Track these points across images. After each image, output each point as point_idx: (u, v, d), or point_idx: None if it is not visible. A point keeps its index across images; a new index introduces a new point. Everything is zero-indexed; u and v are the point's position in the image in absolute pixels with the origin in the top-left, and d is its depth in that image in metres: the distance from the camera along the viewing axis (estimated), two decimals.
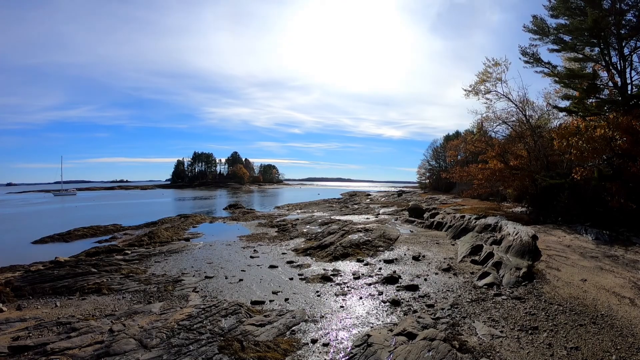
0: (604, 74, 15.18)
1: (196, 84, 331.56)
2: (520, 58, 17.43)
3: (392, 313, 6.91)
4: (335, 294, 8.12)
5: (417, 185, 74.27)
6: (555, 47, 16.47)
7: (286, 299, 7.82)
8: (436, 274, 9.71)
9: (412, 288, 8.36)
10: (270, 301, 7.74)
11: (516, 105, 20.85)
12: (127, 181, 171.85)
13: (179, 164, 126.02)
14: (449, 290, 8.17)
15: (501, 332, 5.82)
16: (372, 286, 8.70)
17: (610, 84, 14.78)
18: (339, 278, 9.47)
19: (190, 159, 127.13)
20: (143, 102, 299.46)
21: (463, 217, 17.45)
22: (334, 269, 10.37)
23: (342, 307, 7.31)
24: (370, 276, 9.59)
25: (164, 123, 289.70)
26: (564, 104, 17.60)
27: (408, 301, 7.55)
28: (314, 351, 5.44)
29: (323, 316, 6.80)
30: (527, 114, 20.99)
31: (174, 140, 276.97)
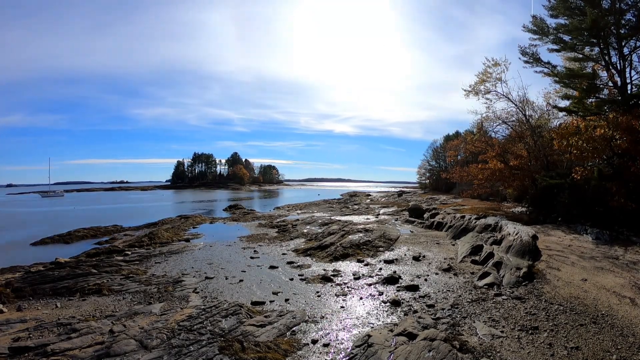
0: (603, 74, 15.19)
1: (99, 87, 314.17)
2: (520, 58, 17.46)
3: (392, 313, 6.91)
4: (336, 295, 8.12)
5: (417, 185, 74.29)
6: (555, 47, 16.47)
7: (286, 300, 7.82)
8: (436, 274, 9.71)
9: (413, 288, 8.36)
10: (271, 302, 7.74)
11: (516, 105, 20.89)
12: (127, 182, 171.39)
13: (179, 164, 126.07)
14: (449, 291, 8.17)
15: (502, 332, 5.81)
16: (372, 286, 8.70)
17: (610, 83, 14.79)
18: (339, 278, 9.47)
19: (190, 160, 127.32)
20: (65, 108, 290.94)
21: (463, 217, 17.45)
22: (334, 270, 10.37)
23: (342, 307, 7.31)
24: (370, 276, 9.59)
25: (105, 126, 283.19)
26: (564, 103, 17.62)
27: (408, 301, 7.55)
28: (314, 352, 5.44)
29: (323, 316, 6.80)
30: (527, 113, 21.03)
31: (135, 143, 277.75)
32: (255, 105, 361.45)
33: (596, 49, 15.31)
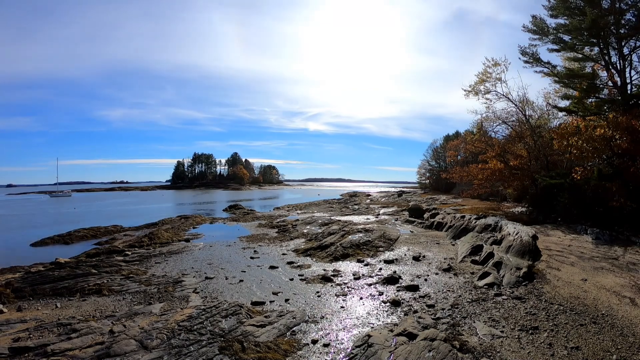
0: (603, 74, 15.22)
1: (53, 91, 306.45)
2: (519, 58, 17.49)
3: (392, 313, 6.91)
4: (336, 295, 8.12)
5: (417, 185, 74.31)
6: (555, 47, 16.51)
7: (286, 300, 7.82)
8: (436, 274, 9.71)
9: (413, 288, 8.36)
10: (271, 302, 7.74)
11: (516, 105, 20.90)
12: (127, 182, 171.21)
13: (179, 165, 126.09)
14: (449, 291, 8.17)
15: (502, 332, 5.81)
16: (372, 286, 8.70)
17: (610, 83, 14.81)
18: (339, 278, 9.47)
19: (190, 160, 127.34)
20: (31, 111, 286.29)
21: (463, 217, 17.44)
22: (334, 270, 10.37)
23: (342, 307, 7.31)
24: (370, 276, 9.59)
25: (81, 127, 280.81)
26: (564, 103, 17.67)
27: (408, 301, 7.54)
28: (314, 352, 5.44)
29: (323, 317, 6.80)
30: (527, 113, 21.04)
31: (120, 143, 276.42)
32: (213, 104, 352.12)
33: (596, 49, 15.34)
